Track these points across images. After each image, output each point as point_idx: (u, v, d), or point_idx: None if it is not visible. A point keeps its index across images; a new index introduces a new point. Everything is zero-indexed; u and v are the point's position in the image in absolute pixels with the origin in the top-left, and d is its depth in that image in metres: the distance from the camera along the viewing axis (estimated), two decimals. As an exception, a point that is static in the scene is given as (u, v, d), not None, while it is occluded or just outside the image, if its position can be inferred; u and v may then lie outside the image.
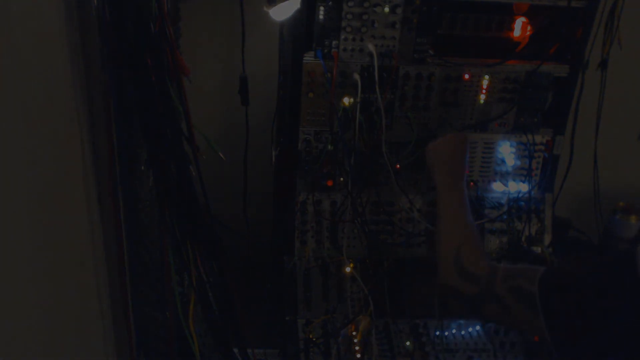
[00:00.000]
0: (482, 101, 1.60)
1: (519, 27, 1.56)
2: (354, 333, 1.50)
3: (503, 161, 1.66)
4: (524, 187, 1.67)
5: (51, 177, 1.15)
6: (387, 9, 1.45)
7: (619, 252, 1.04)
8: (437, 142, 1.45)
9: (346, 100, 1.50)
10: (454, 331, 1.57)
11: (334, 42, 1.47)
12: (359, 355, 1.48)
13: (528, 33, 1.56)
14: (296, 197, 1.60)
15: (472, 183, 1.67)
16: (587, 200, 1.78)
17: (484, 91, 1.58)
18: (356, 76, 1.49)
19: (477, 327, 1.58)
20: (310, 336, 1.51)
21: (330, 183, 1.60)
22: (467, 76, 1.56)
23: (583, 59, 1.58)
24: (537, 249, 1.68)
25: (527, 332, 1.51)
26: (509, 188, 1.67)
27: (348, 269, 1.58)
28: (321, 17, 1.44)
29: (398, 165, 1.60)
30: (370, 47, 1.46)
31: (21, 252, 1.03)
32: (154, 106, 1.22)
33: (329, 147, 1.56)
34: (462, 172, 1.40)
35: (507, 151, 1.65)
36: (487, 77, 1.57)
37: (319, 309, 1.56)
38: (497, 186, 1.68)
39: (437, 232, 1.34)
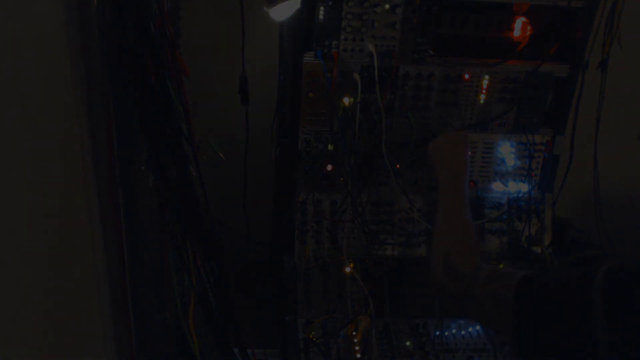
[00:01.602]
0: (482, 101, 1.59)
1: (519, 27, 1.55)
2: (354, 333, 1.50)
3: (503, 161, 1.66)
4: (524, 187, 1.67)
5: (51, 177, 1.15)
6: (387, 9, 1.45)
7: (587, 268, 1.02)
8: (438, 140, 1.46)
9: (346, 100, 1.50)
10: (454, 331, 1.57)
11: (334, 42, 1.47)
12: (359, 355, 1.48)
13: (528, 33, 1.56)
14: (296, 197, 1.60)
15: (472, 183, 1.66)
16: (587, 200, 1.78)
17: (484, 91, 1.58)
18: (356, 76, 1.49)
19: (477, 327, 1.58)
20: (310, 336, 1.51)
21: (330, 183, 1.60)
22: (467, 76, 1.56)
23: (583, 59, 1.57)
24: (537, 249, 1.68)
25: (500, 335, 1.51)
26: (509, 188, 1.67)
27: (348, 269, 1.58)
28: (321, 17, 1.44)
29: (398, 165, 1.60)
30: (370, 47, 1.46)
31: (21, 252, 1.03)
32: (154, 106, 1.22)
33: (329, 147, 1.56)
34: (463, 170, 1.41)
35: (507, 151, 1.65)
36: (487, 77, 1.57)
37: (319, 309, 1.56)
38: (497, 186, 1.68)
39: (434, 228, 1.35)
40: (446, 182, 1.39)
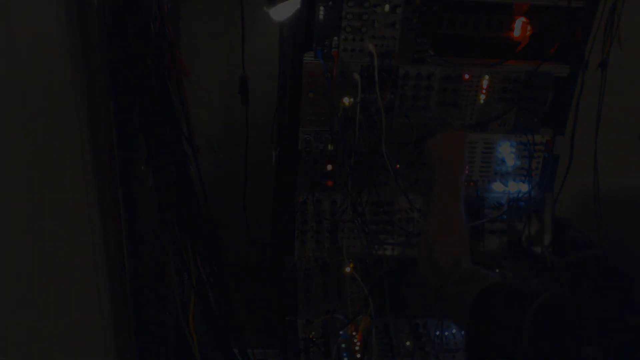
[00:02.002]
0: (482, 101, 1.59)
1: (519, 27, 1.55)
2: (354, 333, 1.50)
3: (503, 161, 1.66)
4: (524, 187, 1.67)
5: (51, 177, 1.15)
6: (387, 9, 1.45)
7: (535, 292, 1.07)
8: (437, 139, 1.46)
9: (346, 100, 1.50)
10: (454, 331, 1.57)
11: (334, 42, 1.47)
12: (359, 355, 1.48)
13: (528, 33, 1.56)
14: (296, 197, 1.60)
15: (472, 183, 1.66)
16: (587, 200, 1.78)
17: (484, 91, 1.58)
18: (356, 76, 1.49)
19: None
20: (310, 336, 1.51)
21: (330, 183, 1.60)
22: (467, 76, 1.56)
23: (583, 59, 1.58)
24: (537, 249, 1.68)
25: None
26: (509, 188, 1.67)
27: (348, 269, 1.58)
28: (321, 17, 1.44)
29: (398, 165, 1.60)
30: (370, 47, 1.46)
31: (21, 252, 1.03)
32: (154, 106, 1.22)
33: (329, 147, 1.56)
34: (461, 169, 1.41)
35: (507, 151, 1.65)
36: (487, 77, 1.57)
37: (319, 309, 1.56)
38: (497, 186, 1.68)
39: (427, 222, 1.36)
40: (443, 180, 1.40)
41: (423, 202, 1.65)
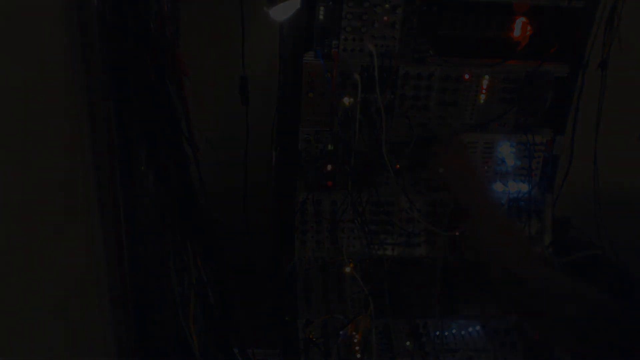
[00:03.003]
0: (482, 101, 1.60)
1: (519, 27, 1.56)
2: (354, 333, 1.50)
3: (503, 161, 1.66)
4: (524, 187, 1.67)
5: (51, 177, 1.14)
6: (387, 9, 1.45)
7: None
8: (438, 156, 1.48)
9: (346, 100, 1.50)
10: (454, 331, 1.57)
11: (334, 42, 1.47)
12: (359, 355, 1.48)
13: (528, 33, 1.56)
14: (296, 197, 1.60)
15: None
16: (587, 200, 1.78)
17: (484, 91, 1.58)
18: (356, 76, 1.49)
19: (477, 327, 1.58)
20: (310, 336, 1.51)
21: (330, 183, 1.60)
22: (467, 76, 1.56)
23: (583, 59, 1.58)
24: (537, 249, 1.68)
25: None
26: (509, 188, 1.67)
27: (348, 269, 1.58)
28: (321, 17, 1.44)
29: (398, 165, 1.60)
30: (370, 47, 1.46)
31: (20, 252, 1.03)
32: (154, 106, 1.22)
33: (329, 147, 1.56)
34: (474, 174, 1.42)
35: (507, 151, 1.65)
36: (487, 77, 1.57)
37: (319, 309, 1.56)
38: (497, 186, 1.68)
39: (481, 242, 1.38)
40: (466, 194, 1.41)
41: (423, 202, 1.65)
